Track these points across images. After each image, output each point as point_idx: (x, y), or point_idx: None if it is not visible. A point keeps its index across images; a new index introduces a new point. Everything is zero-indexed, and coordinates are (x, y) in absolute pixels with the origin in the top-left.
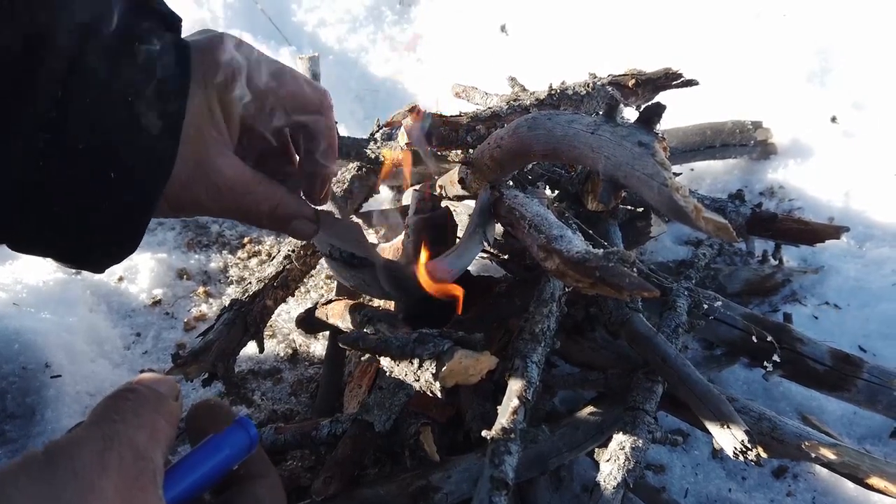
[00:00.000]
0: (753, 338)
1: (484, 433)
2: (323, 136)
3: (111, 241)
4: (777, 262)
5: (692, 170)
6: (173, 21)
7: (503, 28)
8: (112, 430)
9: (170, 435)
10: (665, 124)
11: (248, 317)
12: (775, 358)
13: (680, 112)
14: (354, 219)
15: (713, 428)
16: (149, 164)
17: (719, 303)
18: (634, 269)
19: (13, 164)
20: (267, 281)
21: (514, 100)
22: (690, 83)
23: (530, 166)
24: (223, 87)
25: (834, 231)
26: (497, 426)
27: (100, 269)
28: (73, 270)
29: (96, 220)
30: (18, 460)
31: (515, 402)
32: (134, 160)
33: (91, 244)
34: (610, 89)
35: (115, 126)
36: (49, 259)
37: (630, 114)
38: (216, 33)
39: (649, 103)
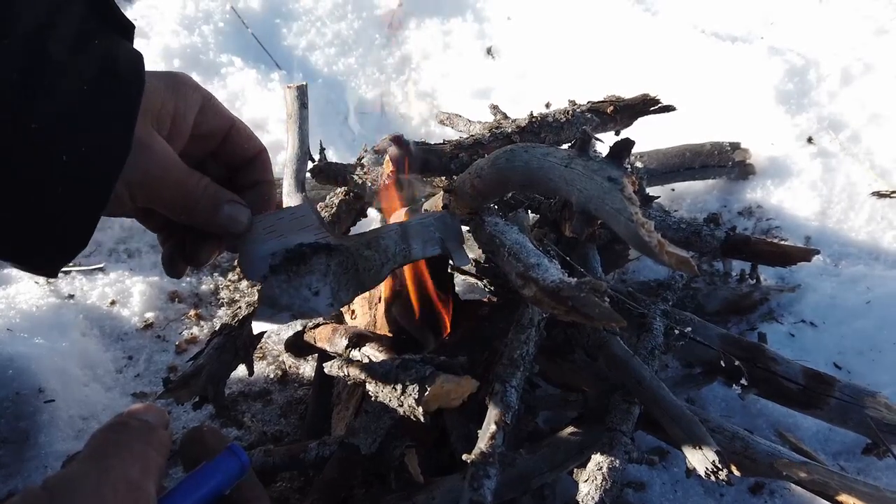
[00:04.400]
0: (722, 362)
1: (464, 457)
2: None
3: (66, 230)
4: (754, 282)
5: (673, 190)
6: (128, 28)
7: (489, 51)
8: (106, 464)
9: (161, 464)
10: (646, 146)
11: (238, 341)
12: (743, 381)
13: (660, 134)
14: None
15: (686, 449)
16: (103, 150)
17: (689, 329)
18: (606, 298)
19: None
20: (257, 305)
21: (496, 127)
22: (668, 109)
23: (511, 193)
24: (176, 97)
25: (805, 253)
26: (476, 450)
27: (53, 267)
28: (66, 294)
29: (53, 204)
30: (19, 496)
31: (493, 427)
32: (91, 144)
33: (48, 232)
34: (589, 116)
35: (72, 112)
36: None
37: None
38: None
39: (619, 139)
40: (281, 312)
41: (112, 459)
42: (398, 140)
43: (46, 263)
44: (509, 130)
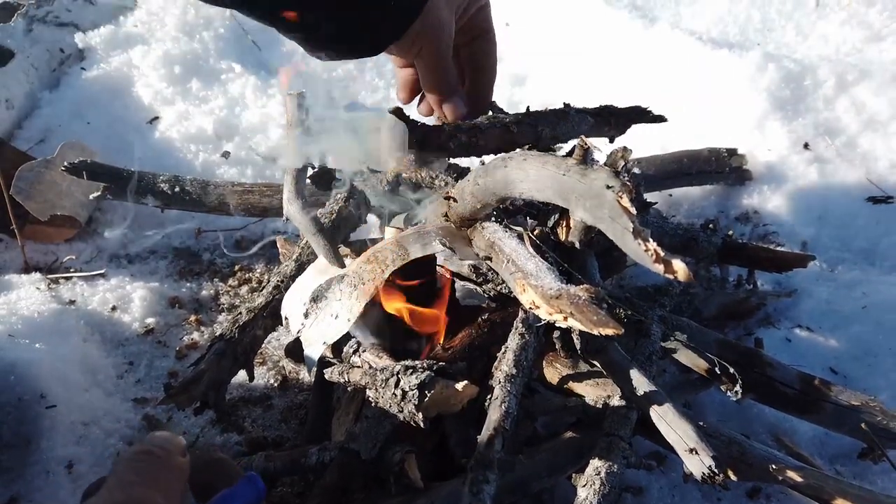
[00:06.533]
0: (716, 369)
1: (465, 462)
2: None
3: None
4: (751, 287)
5: (670, 196)
6: None
7: None
8: (132, 493)
9: (182, 491)
10: (644, 152)
11: (239, 347)
12: (737, 389)
13: (658, 140)
14: None
15: (683, 454)
16: None
17: (684, 335)
18: (605, 306)
19: None
20: (257, 311)
21: (494, 117)
22: (659, 119)
23: (509, 200)
24: None
25: (801, 259)
26: (475, 456)
27: (377, 48)
28: (67, 300)
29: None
30: None
31: (493, 432)
32: None
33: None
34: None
35: None
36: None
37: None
38: None
39: (616, 147)
40: (314, 346)
41: (138, 488)
42: (398, 112)
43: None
44: (507, 120)
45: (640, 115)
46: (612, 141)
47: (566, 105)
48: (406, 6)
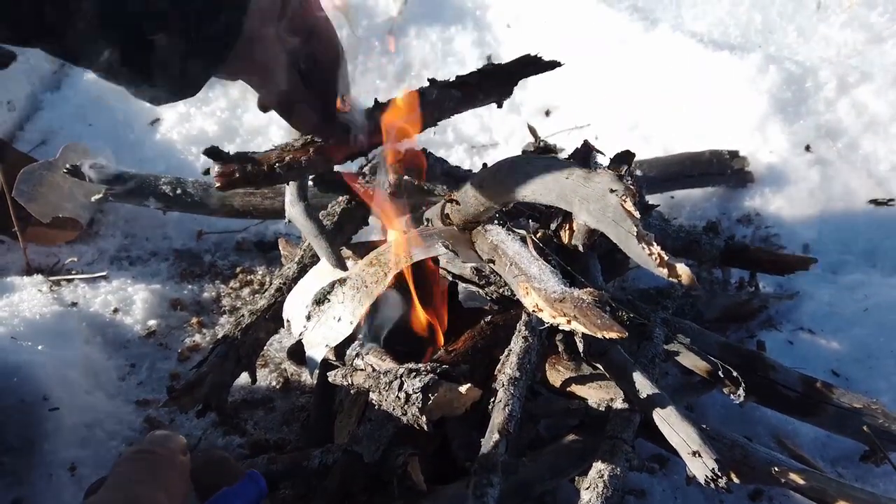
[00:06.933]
0: (719, 372)
1: (468, 465)
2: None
3: (211, 55)
4: (753, 289)
5: (672, 198)
6: None
7: (489, 59)
8: (134, 491)
9: (183, 489)
10: (646, 154)
11: (241, 349)
12: (740, 392)
13: (660, 142)
14: None
15: (686, 457)
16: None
17: (687, 339)
18: (608, 309)
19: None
20: (259, 313)
21: None
22: (553, 65)
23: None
24: None
25: (803, 262)
26: (479, 458)
27: (197, 86)
28: (69, 302)
29: (202, 33)
30: None
31: (496, 435)
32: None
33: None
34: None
35: None
36: (155, 88)
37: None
38: None
39: (619, 151)
40: (317, 348)
41: (139, 486)
42: (211, 151)
43: (192, 85)
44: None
45: (528, 66)
46: (500, 105)
47: (431, 81)
48: (215, 37)
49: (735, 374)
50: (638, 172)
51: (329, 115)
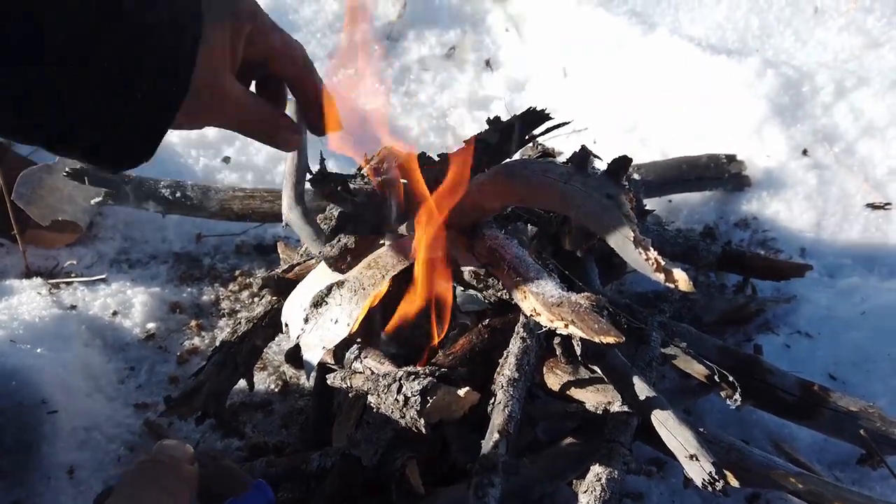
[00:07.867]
0: (716, 376)
1: (469, 466)
2: (300, 90)
3: (139, 134)
4: (750, 293)
5: (670, 201)
6: None
7: (488, 63)
8: (141, 499)
9: (189, 498)
10: (643, 158)
11: (238, 357)
12: (737, 396)
13: (657, 147)
14: None
15: (683, 460)
16: (179, 59)
17: (684, 343)
18: (605, 313)
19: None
20: (256, 321)
21: None
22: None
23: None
24: (237, 23)
25: (798, 269)
26: (480, 459)
27: (120, 166)
28: (68, 305)
29: (132, 107)
30: None
31: (497, 436)
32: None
33: (124, 133)
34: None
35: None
36: (77, 160)
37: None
38: None
39: (617, 156)
40: (313, 350)
41: (146, 493)
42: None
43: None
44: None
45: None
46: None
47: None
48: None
49: (731, 378)
50: (635, 176)
51: (320, 121)
